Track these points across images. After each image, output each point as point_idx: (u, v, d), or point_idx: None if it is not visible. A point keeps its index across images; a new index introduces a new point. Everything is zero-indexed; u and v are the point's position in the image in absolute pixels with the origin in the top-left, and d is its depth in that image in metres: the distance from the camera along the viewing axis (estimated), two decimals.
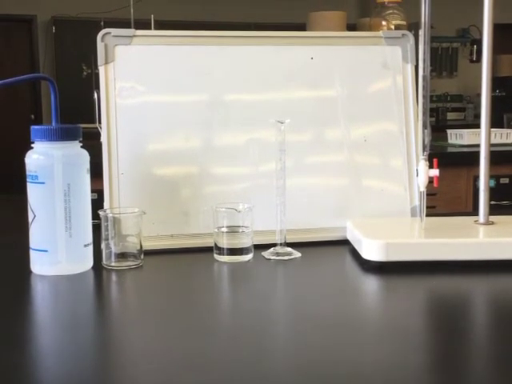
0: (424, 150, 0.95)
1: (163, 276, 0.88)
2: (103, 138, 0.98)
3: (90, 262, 0.88)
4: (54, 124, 0.86)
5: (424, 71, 0.95)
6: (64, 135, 0.85)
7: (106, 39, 0.99)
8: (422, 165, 0.94)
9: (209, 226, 0.95)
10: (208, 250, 0.93)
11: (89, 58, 5.05)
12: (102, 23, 5.45)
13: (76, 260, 0.86)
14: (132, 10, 3.90)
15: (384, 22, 3.74)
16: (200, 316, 0.70)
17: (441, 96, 7.19)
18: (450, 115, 7.14)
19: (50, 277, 0.84)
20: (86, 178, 0.87)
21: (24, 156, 0.86)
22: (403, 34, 1.07)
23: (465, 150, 2.67)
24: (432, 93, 6.42)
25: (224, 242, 0.91)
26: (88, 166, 0.88)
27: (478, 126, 1.05)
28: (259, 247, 0.93)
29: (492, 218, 0.97)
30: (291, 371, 0.56)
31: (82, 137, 0.87)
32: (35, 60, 6.47)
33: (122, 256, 0.89)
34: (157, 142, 0.99)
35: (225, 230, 0.91)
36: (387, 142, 1.05)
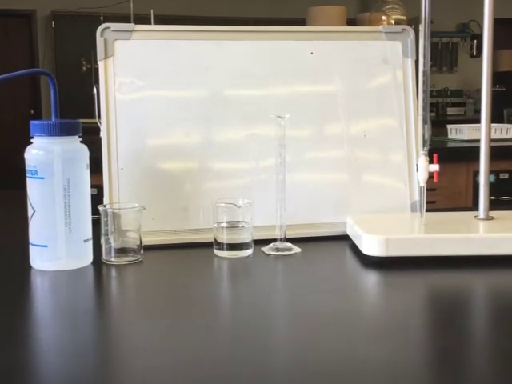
0: (424, 145, 0.95)
1: (163, 271, 0.88)
2: (103, 133, 0.98)
3: (89, 258, 0.88)
4: (53, 119, 0.86)
5: (424, 66, 0.95)
6: (63, 130, 0.85)
7: (106, 34, 0.99)
8: (422, 160, 0.94)
9: (209, 222, 0.95)
10: (208, 245, 0.93)
11: (88, 52, 5.04)
12: (102, 18, 5.44)
13: (76, 255, 0.86)
14: (131, 5, 3.90)
15: (384, 17, 3.74)
16: (200, 312, 0.70)
17: (441, 91, 7.18)
18: (450, 110, 7.13)
19: (49, 272, 0.84)
20: (86, 174, 0.87)
21: (23, 151, 0.86)
22: (403, 29, 1.07)
23: (465, 145, 2.67)
24: (432, 88, 6.42)
25: (224, 238, 0.91)
26: (88, 161, 0.88)
27: (478, 121, 1.05)
28: (259, 242, 0.93)
29: (492, 214, 0.97)
30: (290, 367, 0.56)
31: (82, 132, 0.87)
32: (34, 55, 6.45)
33: (122, 251, 0.89)
34: (156, 137, 0.99)
35: (225, 225, 0.91)
36: (387, 137, 1.05)
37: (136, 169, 0.98)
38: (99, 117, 0.99)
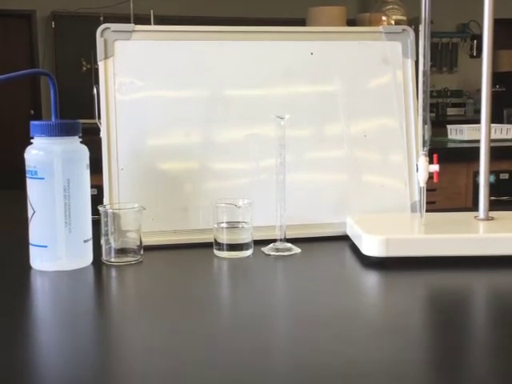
0: (424, 145, 0.95)
1: (163, 272, 0.88)
2: (103, 134, 0.98)
3: (89, 258, 0.88)
4: (53, 119, 0.86)
5: (424, 66, 0.95)
6: (63, 131, 0.85)
7: (106, 34, 0.99)
8: (422, 160, 0.94)
9: (209, 222, 0.95)
10: (208, 245, 0.93)
11: (88, 53, 5.05)
12: (102, 18, 5.44)
13: (76, 256, 0.86)
14: (131, 5, 3.90)
15: (384, 17, 3.74)
16: (199, 312, 0.70)
17: (441, 91, 7.18)
18: (450, 110, 7.13)
19: (49, 272, 0.84)
20: (86, 174, 0.87)
21: (23, 151, 0.86)
22: (403, 29, 1.07)
23: (465, 145, 2.67)
24: (432, 88, 6.41)
25: (224, 238, 0.91)
26: (88, 161, 0.88)
27: (477, 121, 1.05)
28: (259, 243, 0.93)
29: (492, 214, 0.97)
30: (290, 367, 0.56)
31: (82, 132, 0.87)
32: (35, 55, 6.46)
33: (122, 252, 0.89)
34: (156, 138, 0.99)
35: (225, 225, 0.91)
36: (387, 138, 1.05)
37: (136, 169, 0.98)
38: (99, 117, 0.99)
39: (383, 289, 0.82)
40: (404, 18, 3.96)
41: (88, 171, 0.88)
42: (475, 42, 7.26)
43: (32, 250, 0.86)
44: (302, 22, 3.65)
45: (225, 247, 0.91)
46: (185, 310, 0.71)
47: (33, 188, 0.85)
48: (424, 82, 0.95)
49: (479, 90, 0.97)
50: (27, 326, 0.67)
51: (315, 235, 1.00)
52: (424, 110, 0.95)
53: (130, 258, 0.88)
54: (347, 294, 0.77)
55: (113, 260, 0.88)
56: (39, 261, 0.86)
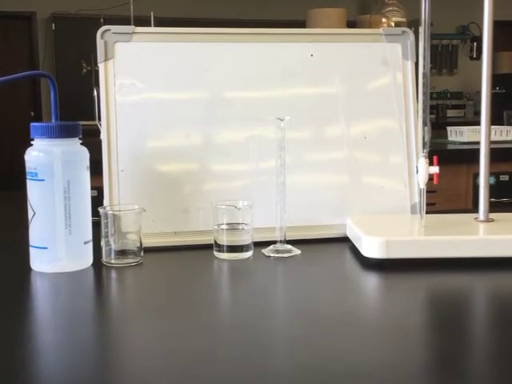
0: (424, 147, 0.95)
1: (163, 273, 0.88)
2: (103, 135, 0.98)
3: (89, 260, 0.88)
4: (53, 121, 0.86)
5: (424, 68, 0.95)
6: (64, 132, 0.85)
7: (106, 36, 0.99)
8: (422, 162, 0.94)
9: (209, 223, 0.95)
10: (208, 247, 0.93)
11: (88, 54, 5.05)
12: (102, 20, 5.44)
13: (76, 257, 0.86)
14: (132, 7, 3.90)
15: (384, 19, 3.75)
16: (200, 313, 0.70)
17: (441, 93, 7.18)
18: (450, 112, 7.13)
19: (49, 274, 0.84)
20: (86, 175, 0.87)
21: (24, 153, 0.86)
22: (403, 31, 1.07)
23: (465, 147, 2.67)
24: (432, 90, 6.41)
25: (224, 239, 0.91)
26: (88, 163, 0.88)
27: (477, 123, 1.05)
28: (259, 244, 0.93)
29: (492, 216, 0.97)
30: (290, 368, 0.56)
31: (82, 134, 0.87)
32: (35, 57, 6.46)
33: (122, 253, 0.89)
34: (156, 139, 0.99)
35: (225, 227, 0.91)
36: (387, 139, 1.05)
37: (136, 170, 0.98)
38: (99, 119, 0.99)
39: (383, 290, 0.82)
40: (404, 19, 3.97)
41: (88, 173, 0.88)
42: (475, 43, 7.26)
43: (32, 252, 0.86)
44: (302, 24, 3.65)
45: (225, 249, 0.91)
46: (185, 312, 0.71)
47: (33, 189, 0.85)
48: (424, 84, 0.95)
49: (479, 92, 0.97)
50: (27, 326, 0.67)
51: (315, 237, 1.00)
52: (424, 111, 0.95)
53: (130, 260, 0.88)
54: (347, 295, 0.77)
55: (113, 262, 0.88)
56: (39, 262, 0.86)
